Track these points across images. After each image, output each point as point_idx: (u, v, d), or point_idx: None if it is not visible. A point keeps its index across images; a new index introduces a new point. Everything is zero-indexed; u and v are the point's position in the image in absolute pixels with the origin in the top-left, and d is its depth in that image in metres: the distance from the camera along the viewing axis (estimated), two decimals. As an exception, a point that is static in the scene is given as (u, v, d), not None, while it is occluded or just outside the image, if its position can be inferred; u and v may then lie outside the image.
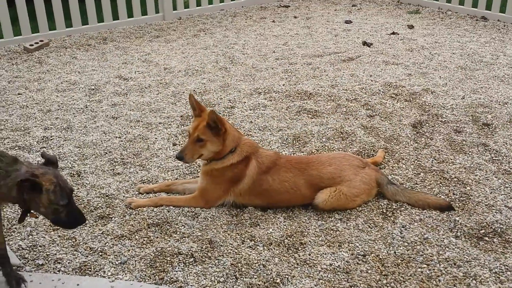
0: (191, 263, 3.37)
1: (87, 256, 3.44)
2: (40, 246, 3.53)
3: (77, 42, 8.59)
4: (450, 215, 3.75)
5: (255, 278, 3.21)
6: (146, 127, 5.31)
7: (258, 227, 3.71)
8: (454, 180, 4.17)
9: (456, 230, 3.60)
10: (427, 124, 5.13)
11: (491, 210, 3.79)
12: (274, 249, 3.48)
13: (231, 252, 3.45)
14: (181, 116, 5.54)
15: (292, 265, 3.32)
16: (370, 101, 5.72)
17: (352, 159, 3.96)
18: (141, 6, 9.70)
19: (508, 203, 3.86)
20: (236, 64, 7.26)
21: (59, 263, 3.38)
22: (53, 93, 6.35)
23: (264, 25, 9.71)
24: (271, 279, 3.19)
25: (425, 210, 3.81)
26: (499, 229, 3.57)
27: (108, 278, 3.25)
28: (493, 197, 3.94)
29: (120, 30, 9.29)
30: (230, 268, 3.29)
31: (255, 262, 3.35)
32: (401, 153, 4.60)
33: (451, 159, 4.48)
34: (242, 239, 3.59)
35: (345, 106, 5.61)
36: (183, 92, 6.22)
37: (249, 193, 3.88)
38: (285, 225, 3.72)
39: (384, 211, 3.84)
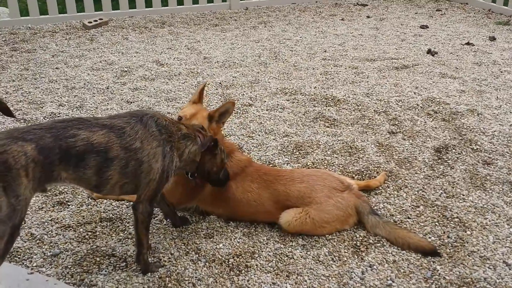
0: (121, 267, 3.11)
1: (24, 242, 3.31)
2: (-13, 224, 3.44)
3: (136, 23, 8.64)
4: (432, 262, 3.17)
5: (178, 297, 2.88)
6: (153, 116, 5.11)
7: (210, 239, 3.37)
8: (455, 221, 3.53)
9: (431, 281, 3.02)
10: (453, 150, 4.45)
11: (484, 264, 3.14)
12: (215, 267, 3.12)
13: (168, 263, 3.14)
14: (192, 109, 5.29)
15: (224, 290, 2.95)
16: (400, 116, 5.10)
17: (331, 179, 3.48)
18: (208, -7, 9.61)
19: (508, 259, 3.18)
20: (278, 61, 6.87)
21: (-6, 244, 3.26)
22: (86, 71, 6.37)
23: (330, 22, 9.20)
24: (193, 302, 2.85)
25: (405, 251, 3.25)
26: (483, 289, 2.94)
27: (31, 269, 3.08)
28: (493, 248, 3.27)
29: (183, 16, 9.24)
30: (156, 281, 2.99)
31: (187, 278, 3.02)
32: (407, 179, 4.01)
33: (463, 195, 3.82)
34: (187, 250, 3.27)
35: (369, 118, 5.05)
36: (208, 84, 5.96)
37: (212, 199, 3.54)
38: (239, 242, 3.34)
39: (357, 244, 3.33)
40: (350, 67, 6.63)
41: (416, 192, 3.86)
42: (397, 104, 5.41)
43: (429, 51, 7.44)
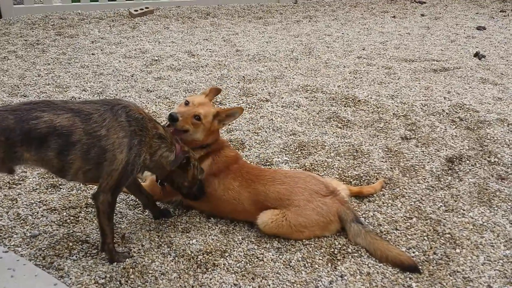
0: (91, 254, 3.14)
1: (10, 221, 3.41)
2: (-20, 201, 3.60)
3: (181, 13, 8.74)
4: (409, 278, 2.97)
5: (138, 290, 2.88)
6: (168, 105, 5.15)
7: (186, 234, 3.34)
8: (446, 237, 3.30)
9: (402, 299, 2.84)
10: (467, 161, 4.16)
11: (466, 285, 2.91)
12: (183, 262, 3.08)
13: (137, 254, 3.14)
14: (208, 101, 5.27)
15: (184, 287, 2.91)
16: (419, 121, 4.84)
17: (314, 182, 3.34)
18: (257, -15, 9.55)
19: (494, 283, 2.93)
20: (310, 57, 6.72)
21: (-19, 222, 3.40)
22: (118, 58, 6.52)
23: (379, 19, 8.90)
24: (151, 295, 2.83)
25: (382, 264, 3.07)
26: (455, 314, 2.72)
27: (8, 248, 3.18)
28: (480, 270, 3.02)
29: (229, 7, 9.25)
30: (120, 271, 2.99)
31: (151, 271, 3.00)
32: (406, 189, 3.79)
33: (464, 210, 3.56)
34: (160, 243, 3.25)
35: (386, 122, 4.82)
36: (231, 77, 5.92)
37: (195, 195, 3.50)
38: (213, 239, 3.28)
39: (334, 252, 3.18)
40: (384, 67, 6.37)
41: (412, 203, 3.64)
42: (421, 108, 5.13)
43: (476, 54, 7.02)
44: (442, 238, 3.29)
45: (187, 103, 3.44)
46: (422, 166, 4.10)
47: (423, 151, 4.31)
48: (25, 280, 2.88)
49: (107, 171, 2.85)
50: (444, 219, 3.47)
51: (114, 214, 3.45)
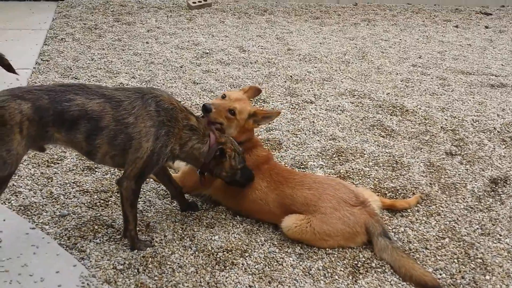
0: (115, 239, 3.19)
1: (42, 199, 3.51)
2: (19, 176, 3.71)
3: (238, 8, 8.75)
4: (432, 301, 2.84)
5: (154, 280, 2.89)
6: (210, 99, 5.16)
7: (209, 229, 3.33)
8: (477, 261, 3.13)
9: (421, 322, 2.71)
10: (513, 184, 3.94)
11: (491, 316, 2.75)
12: (202, 257, 3.07)
13: (158, 244, 3.16)
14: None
15: (199, 283, 2.90)
16: (468, 137, 4.62)
17: (344, 191, 3.24)
18: (317, -15, 9.44)
19: (522, 317, 2.75)
20: (363, 61, 6.56)
21: (16, 196, 3.51)
22: (170, 49, 6.60)
23: (441, 28, 8.59)
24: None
25: (406, 283, 2.95)
26: None
27: (36, 225, 3.27)
28: (510, 301, 2.85)
29: (287, 5, 9.19)
30: (139, 259, 3.02)
31: (169, 263, 3.01)
32: (442, 207, 3.63)
33: (501, 236, 3.37)
34: (183, 235, 3.26)
35: (432, 135, 4.63)
36: (279, 76, 5.87)
37: (223, 190, 3.49)
38: (235, 237, 3.26)
39: (358, 265, 3.08)
40: (438, 77, 6.13)
41: (447, 222, 3.47)
42: (471, 124, 4.89)
43: (539, 72, 6.64)
44: (473, 262, 3.13)
45: (224, 97, 3.43)
46: (464, 184, 3.91)
47: (467, 169, 4.11)
48: (46, 259, 2.96)
49: (131, 158, 2.87)
50: (478, 242, 3.29)
51: (143, 202, 3.51)
